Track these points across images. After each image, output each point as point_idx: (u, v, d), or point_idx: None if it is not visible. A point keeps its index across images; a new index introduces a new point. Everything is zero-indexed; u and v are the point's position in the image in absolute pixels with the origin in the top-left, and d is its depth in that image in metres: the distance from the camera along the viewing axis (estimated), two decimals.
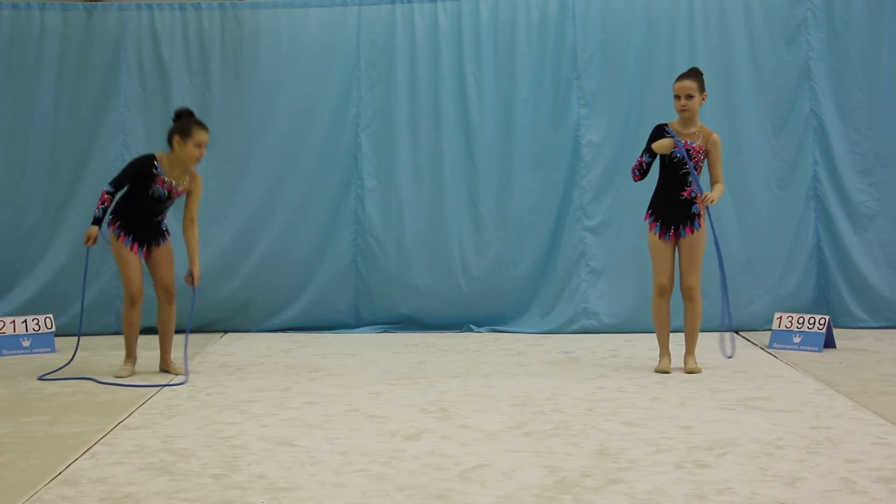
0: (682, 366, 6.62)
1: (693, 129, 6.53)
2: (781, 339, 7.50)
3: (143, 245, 6.64)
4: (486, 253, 8.75)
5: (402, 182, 8.78)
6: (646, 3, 8.69)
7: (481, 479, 4.18)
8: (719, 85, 8.52)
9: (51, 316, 7.90)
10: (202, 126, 6.62)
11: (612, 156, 8.61)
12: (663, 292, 6.57)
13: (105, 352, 7.73)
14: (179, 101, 8.70)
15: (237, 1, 8.89)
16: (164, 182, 6.54)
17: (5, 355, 7.55)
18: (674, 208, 6.52)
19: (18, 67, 8.75)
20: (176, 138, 6.55)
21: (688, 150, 6.45)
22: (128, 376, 6.61)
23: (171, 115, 8.72)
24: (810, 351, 7.31)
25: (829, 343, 7.41)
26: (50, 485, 4.16)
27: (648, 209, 6.64)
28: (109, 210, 6.57)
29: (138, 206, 6.57)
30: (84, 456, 4.62)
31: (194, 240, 6.76)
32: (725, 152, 8.42)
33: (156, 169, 6.53)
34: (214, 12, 8.86)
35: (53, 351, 7.73)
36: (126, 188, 6.57)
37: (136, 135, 8.79)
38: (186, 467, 4.39)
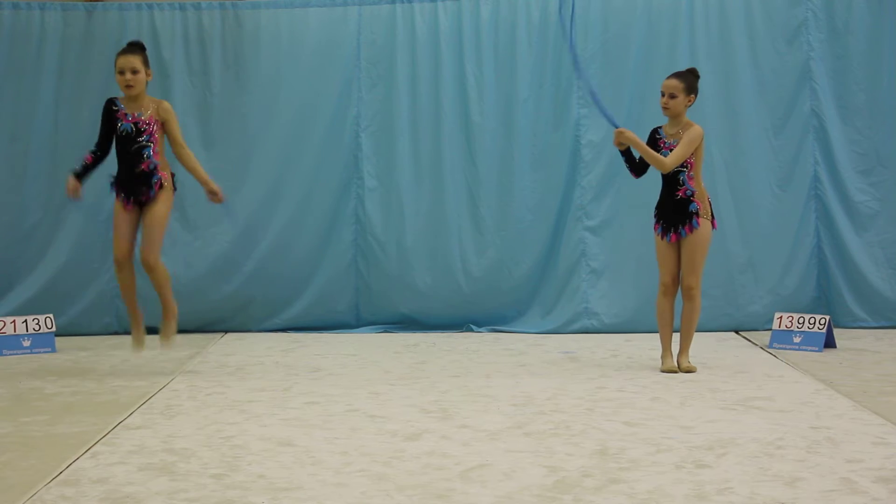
0: (677, 361, 6.63)
1: (678, 129, 6.55)
2: (782, 339, 7.50)
3: (131, 196, 6.48)
4: (486, 253, 8.75)
5: (403, 182, 8.78)
6: (646, 3, 8.68)
7: (481, 479, 4.18)
8: (719, 85, 8.52)
9: (51, 316, 7.90)
10: (122, 51, 6.56)
11: (612, 156, 8.58)
12: (666, 290, 6.61)
13: (106, 352, 7.73)
14: (179, 101, 8.72)
15: (237, 1, 8.89)
16: (125, 115, 6.46)
17: (5, 355, 7.55)
18: (672, 208, 6.54)
19: (18, 67, 8.74)
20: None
21: (671, 151, 6.49)
22: (142, 348, 6.68)
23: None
24: (810, 351, 7.30)
25: (830, 343, 7.41)
26: (50, 485, 4.15)
27: (655, 209, 6.69)
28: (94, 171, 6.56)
29: (118, 151, 6.51)
30: (84, 456, 4.61)
31: (192, 162, 6.66)
32: (726, 152, 8.51)
33: (115, 105, 6.50)
34: (214, 12, 8.86)
35: (54, 351, 7.73)
36: (112, 144, 6.53)
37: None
38: (187, 467, 4.39)
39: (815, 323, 7.41)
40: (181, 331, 8.54)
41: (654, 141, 6.62)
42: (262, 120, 8.81)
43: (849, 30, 8.58)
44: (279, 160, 8.81)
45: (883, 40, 8.58)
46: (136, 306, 6.71)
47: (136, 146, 6.47)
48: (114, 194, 6.58)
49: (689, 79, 6.57)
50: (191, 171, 6.72)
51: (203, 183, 6.70)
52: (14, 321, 7.73)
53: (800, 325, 7.45)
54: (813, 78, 8.59)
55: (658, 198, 6.67)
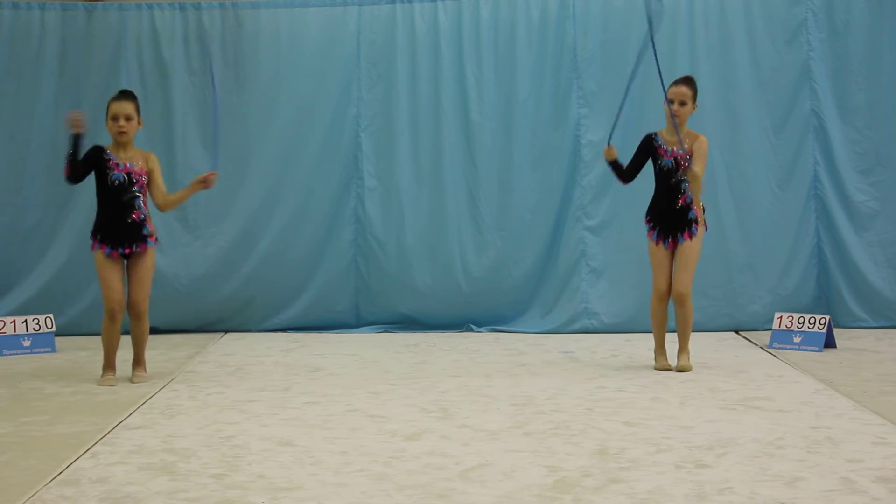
0: (675, 362, 6.65)
1: (682, 136, 6.51)
2: (782, 339, 7.50)
3: (120, 247, 6.39)
4: (486, 253, 8.75)
5: (402, 182, 8.78)
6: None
7: (481, 478, 4.18)
8: (719, 85, 8.52)
9: (51, 316, 7.90)
10: (116, 97, 6.48)
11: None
12: (662, 297, 6.65)
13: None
14: (179, 101, 8.74)
15: (237, 1, 8.89)
16: (117, 165, 6.37)
17: (6, 355, 7.55)
18: (671, 216, 6.56)
19: (18, 67, 8.74)
20: (106, 122, 6.47)
21: (675, 159, 6.49)
22: (114, 384, 6.40)
23: (172, 114, 8.83)
24: (810, 351, 7.30)
25: (830, 343, 7.41)
26: (50, 485, 4.15)
27: (647, 215, 6.69)
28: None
29: (106, 201, 6.39)
30: (84, 456, 4.61)
31: (172, 200, 6.62)
32: (726, 152, 8.50)
33: (105, 154, 6.40)
34: (214, 12, 8.85)
35: (54, 351, 7.73)
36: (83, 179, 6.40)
37: (137, 134, 8.72)
38: (187, 467, 4.39)
39: (815, 323, 7.41)
40: (181, 331, 8.62)
41: (653, 148, 6.59)
42: (262, 120, 8.81)
43: (849, 30, 8.58)
44: (279, 160, 8.80)
45: (883, 40, 8.58)
46: (115, 360, 6.54)
47: (128, 196, 6.38)
48: (96, 248, 6.38)
49: (695, 86, 6.58)
50: (173, 204, 6.71)
51: (189, 195, 6.68)
52: (14, 321, 7.73)
53: (800, 325, 7.45)
54: (813, 78, 8.59)
55: (652, 203, 6.66)
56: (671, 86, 6.56)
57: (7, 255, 8.68)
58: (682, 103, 6.48)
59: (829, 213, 8.59)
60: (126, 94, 6.55)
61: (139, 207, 6.42)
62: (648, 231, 6.65)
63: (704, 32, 8.64)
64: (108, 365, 6.52)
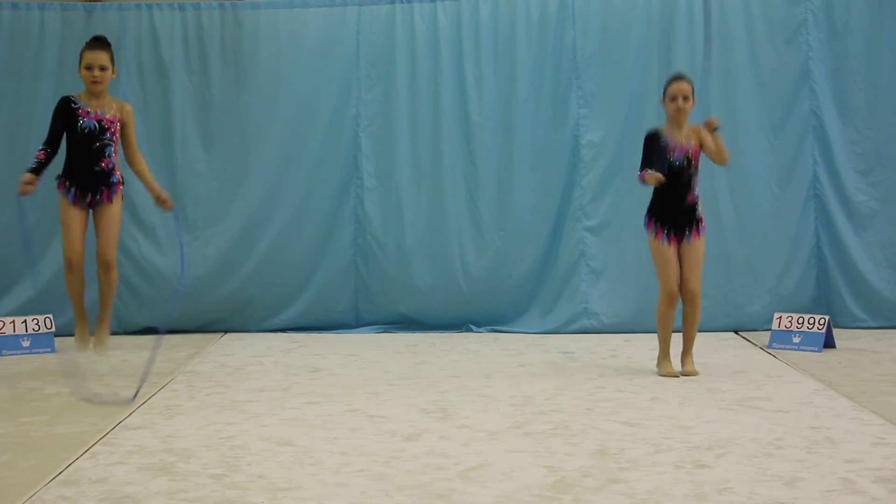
0: (680, 367, 6.59)
1: (685, 132, 6.50)
2: (781, 339, 7.50)
3: (86, 195, 6.29)
4: (486, 253, 8.75)
5: (402, 182, 8.78)
6: (646, 3, 8.69)
7: (481, 478, 4.18)
8: (719, 85, 8.52)
9: (50, 316, 7.89)
10: (90, 45, 6.37)
11: (611, 156, 8.61)
12: (672, 301, 6.48)
13: (105, 352, 7.70)
14: (179, 101, 8.74)
15: (237, 1, 8.89)
16: (87, 113, 6.29)
17: (5, 355, 7.55)
18: (680, 214, 6.46)
19: (18, 67, 8.74)
20: (77, 70, 6.38)
21: (687, 157, 6.45)
22: (87, 346, 6.36)
23: (171, 114, 8.82)
24: (810, 351, 7.31)
25: (829, 343, 7.41)
26: (50, 485, 4.16)
27: (649, 215, 6.54)
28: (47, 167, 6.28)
29: (75, 148, 6.30)
30: (84, 456, 4.61)
31: (143, 166, 6.51)
32: None
33: (74, 103, 6.32)
34: (214, 12, 8.86)
35: (53, 351, 7.73)
36: (64, 140, 6.31)
37: (136, 134, 8.73)
38: (186, 467, 4.39)
39: (814, 323, 7.41)
40: (180, 331, 8.62)
41: (662, 148, 6.43)
42: (262, 120, 8.81)
43: (848, 30, 8.59)
44: (278, 160, 8.81)
45: (882, 40, 8.59)
46: (84, 308, 6.48)
47: (98, 144, 6.31)
48: (62, 192, 6.29)
49: (692, 82, 6.55)
50: (140, 174, 6.56)
51: (150, 189, 6.51)
52: (14, 321, 7.73)
53: (799, 326, 7.46)
54: (812, 78, 8.60)
55: (656, 202, 6.54)
56: (671, 83, 6.51)
57: (7, 255, 8.68)
58: (686, 98, 6.46)
59: (828, 214, 8.59)
60: (100, 42, 6.41)
61: (109, 156, 6.32)
62: (655, 232, 6.48)
63: (704, 33, 8.63)
64: (79, 316, 6.46)
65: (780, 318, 7.60)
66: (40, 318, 7.82)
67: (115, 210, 6.37)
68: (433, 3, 8.80)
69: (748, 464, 4.33)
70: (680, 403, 5.63)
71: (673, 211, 6.48)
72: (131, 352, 7.74)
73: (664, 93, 6.52)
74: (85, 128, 6.29)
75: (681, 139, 6.48)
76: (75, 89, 8.68)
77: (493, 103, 8.75)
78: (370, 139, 8.82)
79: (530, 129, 8.73)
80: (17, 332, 7.69)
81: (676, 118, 6.49)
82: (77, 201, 6.31)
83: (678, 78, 6.55)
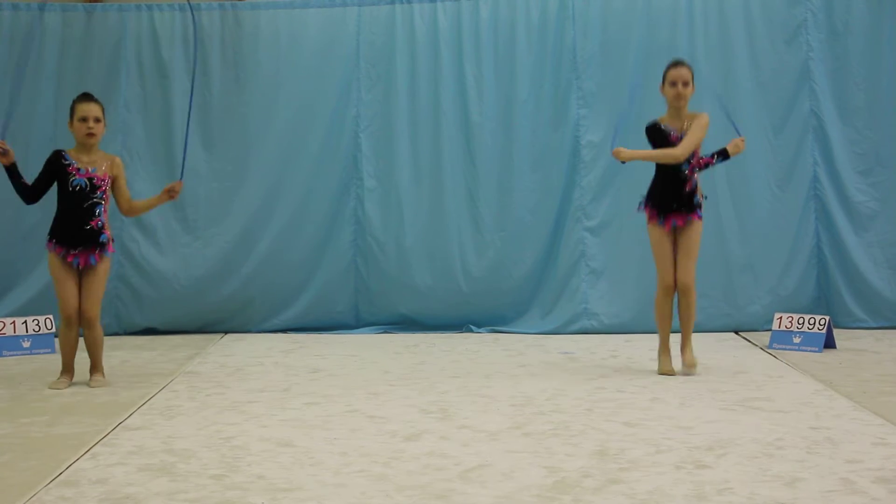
0: (681, 359, 6.56)
1: (684, 120, 6.48)
2: (781, 340, 7.50)
3: (75, 250, 6.22)
4: (486, 253, 8.75)
5: (402, 182, 8.78)
6: (646, 3, 8.69)
7: (481, 479, 4.18)
8: (719, 85, 8.51)
9: (51, 317, 7.89)
10: (83, 99, 6.37)
11: (611, 156, 8.58)
12: (669, 291, 6.50)
13: (105, 352, 7.66)
14: (179, 101, 8.74)
15: (237, 1, 8.89)
16: (78, 170, 6.25)
17: (5, 356, 7.55)
18: (676, 201, 6.45)
19: (18, 67, 8.74)
20: (68, 124, 6.38)
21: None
22: (64, 388, 6.31)
23: (171, 114, 8.82)
24: (810, 351, 7.30)
25: (830, 343, 7.41)
26: (50, 485, 4.15)
27: (646, 202, 6.53)
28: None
29: (65, 205, 6.27)
30: (84, 457, 4.61)
31: (141, 207, 6.63)
32: None
33: (65, 159, 6.28)
34: (214, 12, 8.87)
35: (53, 352, 7.72)
36: (55, 194, 6.30)
37: (136, 135, 8.80)
38: (186, 468, 4.39)
39: (814, 323, 7.41)
40: (180, 331, 8.63)
41: (663, 137, 6.45)
42: (262, 120, 8.82)
43: (848, 30, 8.59)
44: (278, 160, 8.81)
45: (882, 41, 8.59)
46: (73, 362, 6.45)
47: (88, 203, 6.25)
48: (50, 248, 6.26)
49: (692, 68, 6.53)
50: (141, 210, 6.70)
51: (157, 204, 6.63)
52: (14, 322, 7.73)
53: (799, 326, 7.45)
54: (812, 78, 8.60)
55: (654, 189, 6.51)
56: (671, 68, 6.47)
57: (7, 256, 8.68)
58: (686, 84, 6.44)
59: (828, 214, 8.59)
60: (92, 97, 6.43)
61: (99, 215, 6.28)
62: (650, 217, 6.48)
63: (704, 32, 8.64)
64: (66, 369, 6.44)
65: (781, 318, 7.60)
66: (40, 318, 7.82)
67: (102, 269, 6.34)
68: (433, 4, 8.80)
69: (748, 464, 4.33)
70: (680, 404, 5.62)
71: (670, 198, 6.46)
72: (131, 352, 7.75)
73: (663, 79, 6.50)
74: (76, 185, 6.25)
75: (680, 126, 6.46)
76: (75, 90, 8.71)
77: (493, 103, 8.75)
78: (370, 139, 8.83)
79: (530, 130, 8.73)
80: (17, 333, 7.69)
81: (676, 104, 6.47)
82: (69, 260, 6.26)
83: (678, 63, 6.52)
